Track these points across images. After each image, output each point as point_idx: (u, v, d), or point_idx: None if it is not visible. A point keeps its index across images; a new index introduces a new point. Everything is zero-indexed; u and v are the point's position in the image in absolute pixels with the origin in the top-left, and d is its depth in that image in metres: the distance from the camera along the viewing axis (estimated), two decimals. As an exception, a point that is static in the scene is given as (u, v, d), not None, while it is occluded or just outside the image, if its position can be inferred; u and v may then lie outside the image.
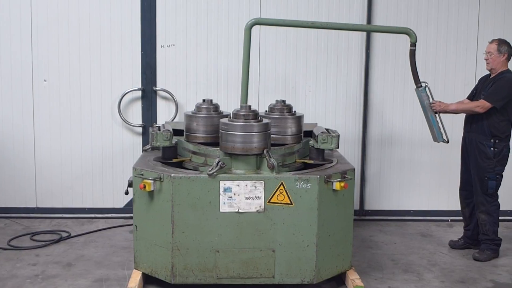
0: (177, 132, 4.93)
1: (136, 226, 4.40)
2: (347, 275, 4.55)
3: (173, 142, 4.63)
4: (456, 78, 6.38)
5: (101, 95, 6.16)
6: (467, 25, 6.32)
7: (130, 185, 4.47)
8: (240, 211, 4.16)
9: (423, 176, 6.53)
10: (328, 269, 4.36)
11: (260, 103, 6.17)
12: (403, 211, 6.53)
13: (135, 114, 6.20)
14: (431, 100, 5.21)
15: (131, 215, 5.45)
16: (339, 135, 4.61)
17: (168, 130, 4.58)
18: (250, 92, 5.80)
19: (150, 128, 4.81)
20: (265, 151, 4.21)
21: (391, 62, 6.33)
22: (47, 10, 6.03)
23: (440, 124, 5.22)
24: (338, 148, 4.63)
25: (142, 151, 5.13)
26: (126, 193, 4.59)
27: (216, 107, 4.85)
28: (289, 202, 4.18)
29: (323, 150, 4.64)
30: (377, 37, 6.28)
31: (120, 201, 6.29)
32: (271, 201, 4.17)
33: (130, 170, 4.63)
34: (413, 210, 6.54)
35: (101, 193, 6.30)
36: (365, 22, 6.20)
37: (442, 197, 6.55)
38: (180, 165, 4.58)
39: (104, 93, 6.15)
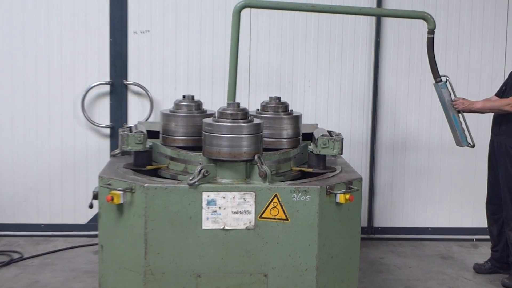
0: (152, 134, 4.91)
1: (102, 246, 4.37)
2: (353, 304, 4.54)
3: (147, 146, 4.62)
4: (482, 71, 6.41)
5: (61, 90, 6.13)
6: (495, 9, 6.34)
7: (95, 197, 4.44)
8: (226, 228, 4.13)
9: (443, 188, 6.54)
10: (330, 298, 4.35)
11: (251, 101, 6.16)
12: (419, 229, 6.54)
13: (102, 113, 6.18)
14: (452, 97, 5.22)
15: (96, 232, 5.41)
16: (342, 139, 4.60)
17: (141, 132, 4.55)
18: (239, 88, 5.80)
19: (120, 129, 4.78)
20: (256, 157, 4.19)
21: (405, 53, 6.34)
22: (-3, -11, 6.02)
23: (463, 126, 5.23)
24: (342, 154, 4.61)
25: (110, 157, 5.10)
26: (91, 206, 4.56)
27: (198, 105, 4.83)
28: (285, 218, 4.16)
29: (324, 156, 4.63)
30: (389, 23, 6.29)
31: (83, 216, 6.26)
32: (263, 216, 4.15)
33: (95, 180, 4.59)
34: (431, 228, 6.55)
35: (60, 207, 6.27)
36: (374, 5, 6.22)
37: (465, 213, 6.56)
38: (155, 173, 4.55)
39: (65, 87, 6.13)
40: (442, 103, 5.26)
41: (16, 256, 5.66)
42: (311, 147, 4.70)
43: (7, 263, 5.48)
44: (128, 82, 6.14)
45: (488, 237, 5.74)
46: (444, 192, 6.55)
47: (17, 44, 6.06)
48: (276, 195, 4.14)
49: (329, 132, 4.89)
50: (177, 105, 4.82)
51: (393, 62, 6.34)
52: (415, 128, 6.44)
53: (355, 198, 4.35)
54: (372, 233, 6.50)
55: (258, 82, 6.24)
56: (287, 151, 4.68)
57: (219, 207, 4.11)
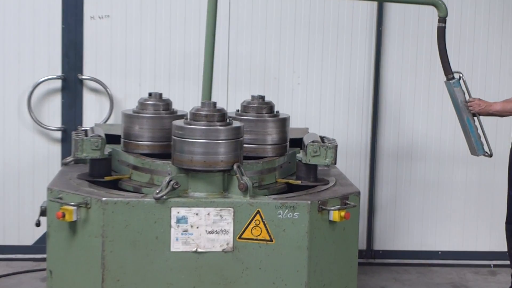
0: (111, 139, 4.90)
1: (50, 271, 4.35)
2: None
3: (106, 152, 4.61)
4: (502, 67, 6.45)
5: (3, 86, 6.11)
6: (517, -5, 6.40)
7: (43, 213, 4.42)
8: (199, 250, 4.13)
9: (456, 204, 6.57)
10: (322, 334, 4.35)
11: (230, 100, 6.17)
12: (427, 253, 6.57)
13: (52, 113, 6.16)
14: (467, 97, 5.25)
15: (44, 256, 5.37)
16: (337, 146, 4.62)
17: (99, 136, 4.55)
18: (216, 84, 5.79)
19: (74, 133, 4.77)
20: (235, 167, 4.20)
21: (411, 45, 6.37)
22: None
23: (479, 131, 5.25)
24: (336, 163, 4.63)
25: (62, 165, 5.08)
26: (38, 224, 4.54)
27: (167, 104, 4.83)
28: (268, 238, 4.16)
29: (315, 166, 4.64)
30: (392, 9, 6.33)
31: (29, 237, 6.23)
32: (243, 236, 4.15)
33: (44, 193, 4.56)
34: (441, 251, 6.57)
35: (1, 225, 6.23)
36: (376, -11, 6.26)
37: (481, 233, 6.59)
38: (115, 185, 4.54)
39: (8, 83, 6.10)
40: (454, 104, 5.28)
41: None
42: (300, 155, 4.71)
43: None
44: (83, 77, 6.13)
45: (508, 262, 5.77)
46: (457, 209, 6.57)
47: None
48: (258, 212, 4.14)
49: (322, 137, 4.90)
50: (142, 105, 4.81)
51: (397, 55, 6.37)
52: (423, 133, 6.46)
53: (351, 215, 4.36)
54: (372, 257, 6.52)
55: (238, 78, 6.24)
56: (271, 159, 4.68)
57: (191, 226, 4.11)
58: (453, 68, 5.23)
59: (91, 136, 4.53)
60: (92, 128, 5.05)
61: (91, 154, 4.50)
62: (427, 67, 6.37)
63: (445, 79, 5.23)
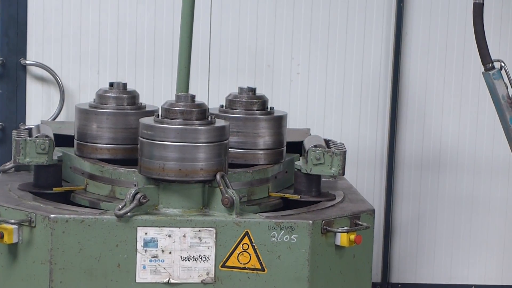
0: (62, 140, 4.91)
1: (-16, 306, 4.35)
2: None
3: (55, 157, 4.61)
4: (553, 55, 6.48)
5: None
6: None
7: (-25, 233, 4.43)
8: (172, 281, 4.15)
9: (495, 226, 6.59)
10: None
11: (212, 92, 6.18)
12: (458, 287, 6.59)
13: (-13, 107, 6.17)
14: (510, 91, 5.28)
15: (-24, 287, 5.38)
16: (345, 151, 4.63)
17: (47, 136, 4.55)
18: (194, 73, 5.82)
19: (14, 132, 4.77)
20: (218, 176, 4.21)
21: (440, 25, 6.39)
22: None
23: (526, 134, 5.29)
24: (344, 174, 4.65)
25: (0, 173, 5.10)
26: (-32, 247, 4.53)
27: (133, 97, 4.84)
28: (259, 267, 4.18)
29: (318, 177, 4.66)
30: (417, -20, 6.37)
31: (-43, 263, 6.22)
32: (227, 264, 4.17)
33: (-24, 207, 4.59)
34: (475, 286, 6.60)
35: None
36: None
37: (526, 264, 6.63)
38: (67, 198, 4.55)
39: None
40: (494, 100, 5.30)
41: None
42: (299, 163, 4.72)
43: None
44: (27, 62, 6.14)
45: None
46: (495, 233, 6.60)
47: None
48: (247, 233, 4.15)
49: (327, 141, 4.92)
50: (101, 97, 4.82)
51: (423, 38, 6.39)
52: (454, 137, 6.49)
53: (364, 239, 4.38)
54: (389, 293, 6.56)
55: (222, 66, 6.26)
56: (264, 168, 4.69)
57: (162, 251, 4.12)
58: (493, 56, 5.26)
59: (36, 137, 4.52)
60: (37, 127, 5.04)
61: (36, 159, 4.49)
62: (460, 54, 6.40)
63: (482, 69, 5.27)
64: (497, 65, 5.22)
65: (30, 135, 4.67)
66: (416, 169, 6.50)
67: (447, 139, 6.49)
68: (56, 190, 4.58)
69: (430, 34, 6.39)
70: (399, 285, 6.55)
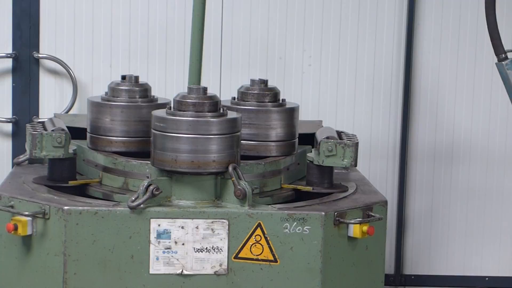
0: (75, 133, 4.90)
1: (-1, 298, 4.40)
2: None
3: (71, 150, 4.62)
4: None
5: None
6: None
7: (-11, 225, 4.45)
8: (185, 272, 4.17)
9: (508, 216, 6.59)
10: None
11: (224, 84, 6.20)
12: (472, 278, 6.59)
13: (1, 101, 6.20)
14: (523, 81, 5.29)
15: (-10, 279, 5.43)
16: (358, 143, 4.64)
17: (63, 130, 4.56)
18: (206, 65, 5.83)
19: (29, 126, 4.75)
20: (230, 168, 4.22)
21: (453, 14, 6.37)
22: None
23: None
24: (356, 165, 4.66)
25: (13, 166, 5.12)
26: (-18, 239, 4.57)
27: (145, 90, 4.85)
28: (272, 258, 4.19)
29: (330, 168, 4.66)
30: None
31: (-29, 256, 6.26)
32: (239, 255, 4.18)
33: (-10, 200, 4.62)
34: (489, 277, 6.60)
35: None
36: None
37: (540, 254, 6.63)
38: (80, 191, 4.57)
39: None
40: (508, 90, 5.30)
41: None
42: (311, 154, 4.72)
43: None
44: (40, 55, 6.16)
45: None
46: (509, 224, 6.58)
47: None
48: (259, 225, 4.16)
49: (339, 133, 4.93)
50: (114, 90, 4.83)
51: (435, 28, 6.37)
52: (466, 128, 6.49)
53: (376, 230, 4.38)
54: (402, 284, 6.55)
55: (234, 58, 6.28)
56: (276, 160, 4.71)
57: (175, 242, 4.13)
58: (506, 46, 5.26)
59: (53, 131, 4.53)
60: (51, 120, 5.02)
61: (52, 153, 4.49)
62: (473, 44, 6.39)
63: (495, 59, 5.28)
64: (510, 55, 5.22)
65: (45, 128, 4.68)
66: (429, 161, 6.51)
67: (460, 131, 6.49)
68: (71, 183, 4.58)
69: (442, 25, 6.38)
70: (412, 277, 6.55)
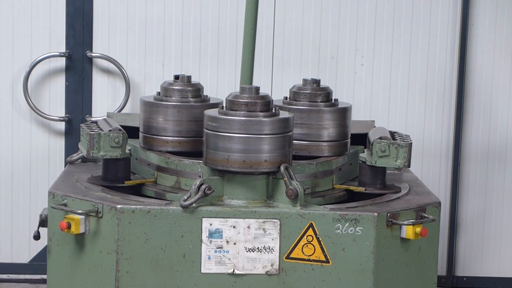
0: (127, 132, 4.88)
1: (52, 295, 4.42)
2: None
3: (127, 150, 4.62)
4: None
5: (-6, 64, 6.21)
6: None
7: (42, 223, 4.46)
8: (237, 272, 4.17)
9: None
10: None
11: (275, 84, 6.20)
12: (527, 281, 6.56)
13: (54, 99, 6.24)
14: None
15: (44, 276, 5.47)
16: (411, 143, 4.61)
17: (120, 130, 4.56)
18: (258, 65, 5.83)
19: (84, 126, 4.74)
20: (282, 168, 4.22)
21: (508, 14, 6.31)
22: None
23: None
24: (409, 166, 4.63)
25: (66, 164, 5.15)
26: (36, 237, 4.59)
27: (197, 90, 4.86)
28: (324, 259, 4.18)
29: (383, 169, 4.65)
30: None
31: (25, 253, 6.32)
32: (291, 256, 4.17)
33: (44, 198, 4.62)
34: (546, 279, 6.57)
35: (-9, 238, 6.35)
36: None
37: None
38: (136, 190, 4.60)
39: (-1, 61, 6.22)
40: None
41: None
42: (364, 155, 4.70)
43: None
44: (93, 54, 6.20)
45: None
46: None
47: None
48: (311, 225, 4.16)
49: (392, 133, 4.90)
50: (166, 90, 4.84)
51: (489, 29, 6.32)
52: (522, 129, 6.46)
53: (429, 232, 4.35)
54: (454, 286, 6.51)
55: (286, 58, 6.27)
56: (328, 160, 4.70)
57: (227, 241, 4.14)
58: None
59: (110, 131, 4.54)
60: (105, 119, 5.03)
61: (110, 153, 4.51)
62: (527, 45, 6.36)
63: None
64: None
65: (99, 128, 4.68)
66: (482, 162, 6.46)
67: (514, 132, 6.46)
68: (127, 183, 4.60)
69: (496, 24, 6.33)
70: (465, 278, 6.51)
